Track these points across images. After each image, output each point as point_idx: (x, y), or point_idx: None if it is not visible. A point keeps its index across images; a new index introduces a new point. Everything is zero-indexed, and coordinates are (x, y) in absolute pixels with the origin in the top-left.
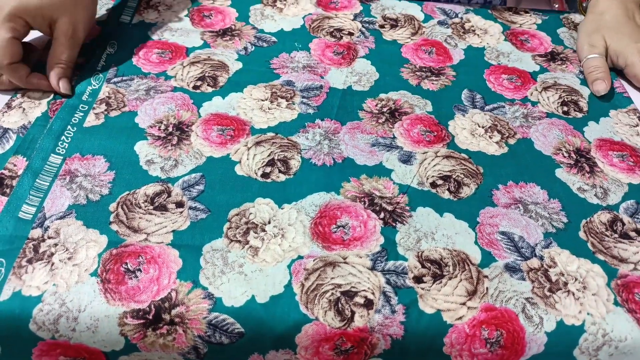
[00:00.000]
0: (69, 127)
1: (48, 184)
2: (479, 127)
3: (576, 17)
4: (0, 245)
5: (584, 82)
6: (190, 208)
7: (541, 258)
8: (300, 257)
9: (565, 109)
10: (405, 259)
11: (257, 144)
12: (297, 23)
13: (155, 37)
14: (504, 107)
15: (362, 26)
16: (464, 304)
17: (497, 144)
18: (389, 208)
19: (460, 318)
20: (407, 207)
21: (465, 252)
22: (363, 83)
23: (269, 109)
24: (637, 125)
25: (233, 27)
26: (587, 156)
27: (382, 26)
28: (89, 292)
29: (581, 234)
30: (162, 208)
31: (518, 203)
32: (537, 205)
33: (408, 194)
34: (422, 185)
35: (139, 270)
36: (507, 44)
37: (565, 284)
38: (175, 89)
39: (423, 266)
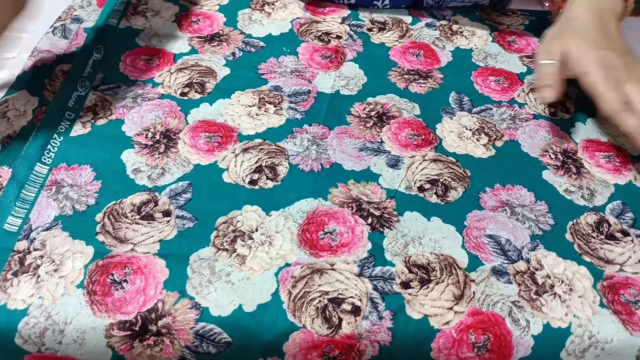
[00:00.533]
0: (55, 136)
1: (34, 195)
2: (467, 129)
3: None
4: None
5: (572, 82)
6: (177, 217)
7: (528, 261)
8: (287, 265)
9: (552, 110)
10: (393, 265)
11: (245, 150)
12: (285, 27)
13: (142, 43)
14: (491, 109)
15: (350, 29)
16: (451, 308)
17: (485, 147)
18: (377, 213)
19: (447, 323)
20: (395, 212)
21: (452, 257)
22: (351, 87)
23: (256, 115)
24: None
25: (221, 32)
26: (573, 157)
27: (370, 29)
28: (75, 305)
29: (568, 236)
30: (149, 217)
31: (505, 206)
32: (524, 207)
33: (395, 199)
34: (410, 189)
35: (125, 281)
36: (494, 46)
37: (552, 286)
38: (162, 96)
39: (410, 271)
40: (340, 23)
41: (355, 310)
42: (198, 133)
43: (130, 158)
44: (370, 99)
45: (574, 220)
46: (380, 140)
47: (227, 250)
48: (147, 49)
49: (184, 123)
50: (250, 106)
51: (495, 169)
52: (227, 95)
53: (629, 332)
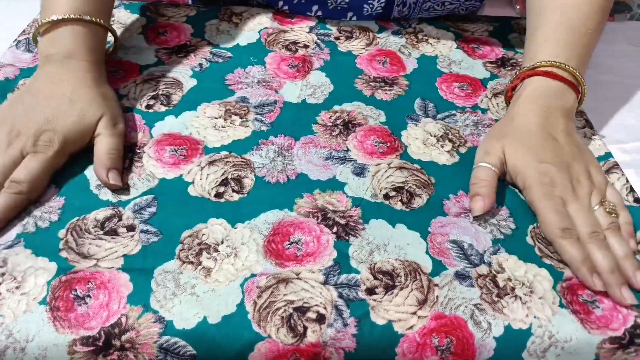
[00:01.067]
0: None
1: None
2: (431, 136)
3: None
4: None
5: None
6: (141, 231)
7: (489, 264)
8: (253, 276)
9: None
10: (358, 272)
11: (211, 163)
12: (253, 37)
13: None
14: (455, 115)
15: (318, 38)
16: (414, 313)
17: (449, 153)
18: (342, 222)
19: (411, 327)
20: (360, 220)
21: (416, 262)
22: (317, 96)
23: (222, 127)
24: (584, 127)
25: (188, 43)
26: None
27: (337, 38)
28: (37, 321)
29: (528, 240)
30: (113, 232)
31: (468, 212)
32: (486, 213)
33: (361, 207)
34: (376, 197)
35: (89, 296)
36: (459, 52)
37: (513, 289)
38: (127, 110)
39: (375, 278)
40: (308, 32)
41: (320, 319)
42: (163, 147)
43: (95, 173)
44: (336, 107)
45: (535, 224)
46: (346, 149)
47: (192, 263)
48: (113, 60)
49: (149, 137)
50: (216, 118)
51: (459, 175)
52: (193, 107)
53: (587, 330)
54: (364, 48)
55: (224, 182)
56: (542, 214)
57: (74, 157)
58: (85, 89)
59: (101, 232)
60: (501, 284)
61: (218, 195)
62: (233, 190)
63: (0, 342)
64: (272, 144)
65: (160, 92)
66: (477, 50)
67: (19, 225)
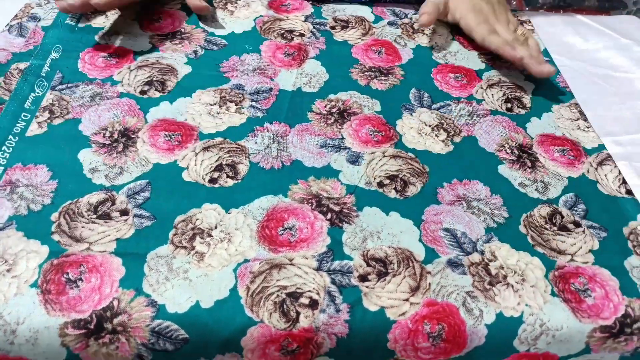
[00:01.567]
0: (10, 137)
1: None
2: (426, 125)
3: (523, 15)
4: None
5: (529, 77)
6: (135, 216)
7: (482, 252)
8: (246, 261)
9: (509, 105)
10: (351, 259)
11: (205, 149)
12: (248, 25)
13: (102, 41)
14: (450, 105)
15: (313, 27)
16: (407, 300)
17: (443, 142)
18: (336, 209)
19: (403, 314)
20: (354, 208)
21: (409, 250)
22: (313, 84)
23: (217, 113)
24: (577, 119)
25: (183, 30)
26: (529, 152)
27: (333, 27)
28: (28, 304)
29: (521, 228)
30: (106, 216)
31: (461, 200)
32: (480, 201)
33: (355, 195)
34: (370, 185)
35: (80, 279)
36: (455, 43)
37: (505, 277)
38: (121, 95)
39: (368, 265)
40: (304, 21)
41: (313, 304)
42: (158, 132)
43: (88, 157)
44: (331, 96)
45: (528, 213)
46: (341, 137)
47: (185, 247)
48: (107, 46)
49: (143, 122)
50: (211, 105)
51: (453, 164)
52: (188, 93)
53: (578, 319)
54: (359, 38)
55: (219, 168)
56: (474, 27)
57: (65, 142)
58: None
59: (94, 215)
60: (493, 272)
61: (212, 180)
62: (227, 176)
63: None
64: (267, 130)
65: (154, 79)
66: (473, 41)
67: (11, 208)
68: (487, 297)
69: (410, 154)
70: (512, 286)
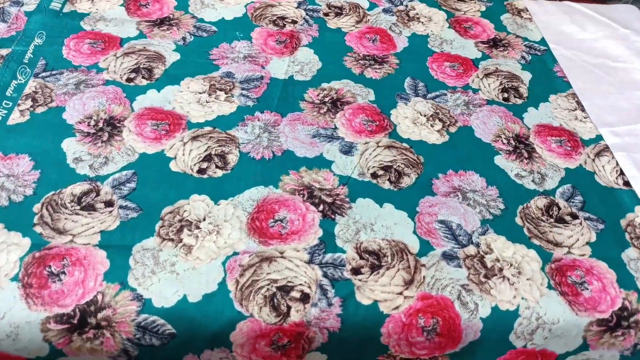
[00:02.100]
0: None
1: None
2: (421, 115)
3: (520, 4)
4: None
5: (526, 67)
6: (120, 207)
7: (477, 245)
8: (235, 254)
9: (506, 95)
10: (344, 251)
11: (194, 138)
12: (239, 12)
13: (87, 27)
14: (445, 94)
15: (306, 14)
16: (400, 293)
17: (439, 133)
18: (329, 200)
19: (396, 308)
20: (347, 199)
21: (403, 242)
22: (305, 73)
23: (206, 102)
24: (575, 110)
25: (171, 16)
26: (526, 142)
27: (326, 14)
28: (8, 298)
29: (517, 220)
30: (90, 208)
31: (457, 191)
32: (476, 192)
33: (348, 185)
34: (363, 176)
35: (63, 273)
36: (450, 32)
37: (501, 269)
38: (107, 82)
39: (361, 257)
40: (296, 7)
41: (304, 298)
42: (144, 121)
43: (71, 147)
44: (324, 85)
45: (524, 205)
46: (334, 127)
47: (172, 240)
48: (92, 32)
49: (129, 110)
50: (200, 93)
51: (449, 155)
52: (176, 81)
53: (575, 312)
54: (353, 25)
55: (208, 158)
56: None
57: (48, 131)
58: None
59: (78, 207)
60: (489, 264)
61: (201, 171)
62: (216, 166)
63: None
64: (258, 119)
65: (141, 66)
66: (469, 30)
67: None
68: (482, 290)
69: (404, 144)
70: (508, 279)
